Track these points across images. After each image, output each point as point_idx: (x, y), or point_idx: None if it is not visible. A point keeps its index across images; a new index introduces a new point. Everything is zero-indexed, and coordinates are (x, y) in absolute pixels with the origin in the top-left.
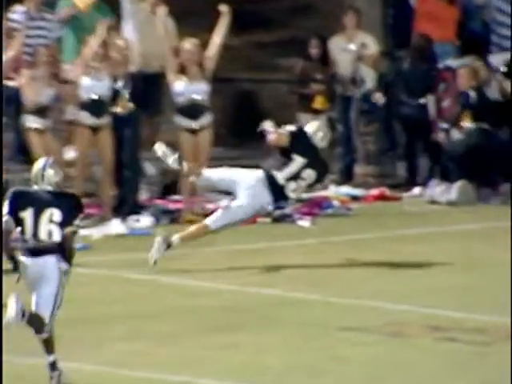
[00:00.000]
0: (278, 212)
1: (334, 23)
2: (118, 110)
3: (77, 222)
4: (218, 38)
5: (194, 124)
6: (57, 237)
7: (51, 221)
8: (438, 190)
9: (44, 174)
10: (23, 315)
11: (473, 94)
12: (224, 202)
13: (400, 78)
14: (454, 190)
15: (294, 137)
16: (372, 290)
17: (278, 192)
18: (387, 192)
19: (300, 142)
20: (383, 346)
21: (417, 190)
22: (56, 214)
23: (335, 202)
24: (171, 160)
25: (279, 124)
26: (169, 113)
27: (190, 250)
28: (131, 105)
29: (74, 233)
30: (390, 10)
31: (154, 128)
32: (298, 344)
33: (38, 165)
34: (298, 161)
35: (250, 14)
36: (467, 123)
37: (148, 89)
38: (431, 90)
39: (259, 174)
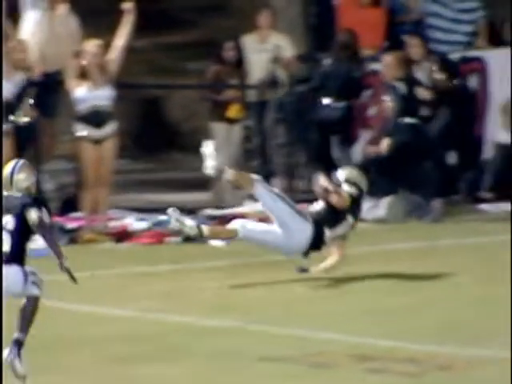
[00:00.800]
0: None
1: (250, 23)
2: (20, 118)
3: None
4: (121, 39)
5: (96, 133)
6: (6, 247)
7: (5, 228)
8: (365, 206)
9: (13, 178)
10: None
11: (401, 87)
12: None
13: (322, 81)
14: (383, 206)
15: (353, 200)
16: (294, 316)
17: (315, 245)
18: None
19: (357, 205)
20: (306, 379)
21: None
22: (10, 221)
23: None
24: (188, 227)
25: (189, 134)
26: (68, 121)
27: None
28: (34, 112)
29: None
30: (312, 8)
31: (52, 138)
32: (210, 377)
33: (8, 169)
34: (349, 222)
35: (156, 13)
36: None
37: (46, 95)
38: (357, 92)
39: (308, 226)
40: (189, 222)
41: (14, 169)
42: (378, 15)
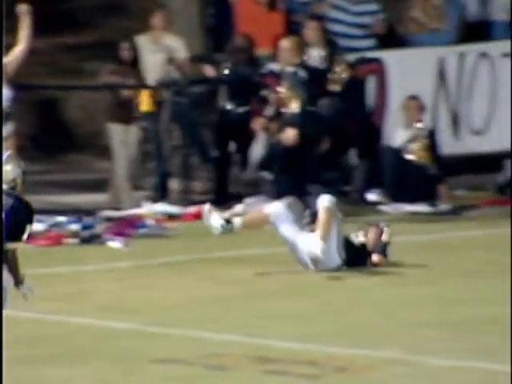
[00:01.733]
0: (86, 232)
1: (146, 24)
2: None
3: (24, 236)
4: (21, 41)
5: None
6: None
7: None
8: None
9: None
10: None
11: (301, 73)
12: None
13: (220, 84)
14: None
15: None
16: (191, 317)
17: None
18: None
19: None
20: (202, 380)
21: (240, 207)
22: None
23: (150, 221)
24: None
25: (88, 135)
26: None
27: None
28: None
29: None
30: (210, 9)
31: None
32: (109, 379)
33: None
34: None
35: (54, 15)
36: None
37: None
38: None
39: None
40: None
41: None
42: (276, 15)
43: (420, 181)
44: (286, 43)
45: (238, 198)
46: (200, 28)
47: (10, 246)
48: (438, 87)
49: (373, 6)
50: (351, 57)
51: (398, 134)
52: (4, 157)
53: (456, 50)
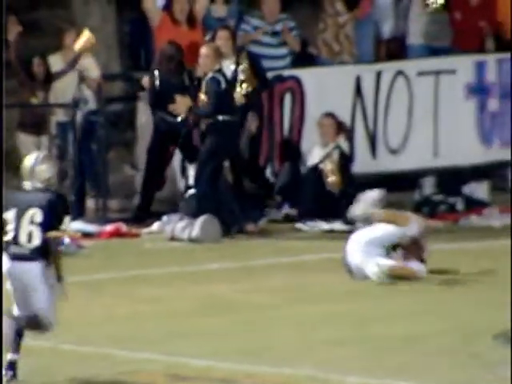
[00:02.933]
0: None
1: (59, 42)
2: None
3: (63, 226)
4: None
5: None
6: (36, 240)
7: (32, 222)
8: (180, 225)
9: (35, 169)
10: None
11: (220, 78)
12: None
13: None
14: (197, 226)
15: None
16: (106, 335)
17: None
18: (124, 228)
19: None
20: None
21: (156, 226)
22: (38, 214)
23: (65, 239)
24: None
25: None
26: None
27: None
28: None
29: (58, 238)
30: (126, 27)
31: None
32: None
33: (29, 160)
34: None
35: None
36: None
37: None
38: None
39: None
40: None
41: (35, 160)
42: (195, 34)
43: (336, 198)
44: (204, 50)
45: (157, 216)
46: (117, 46)
47: (51, 234)
48: (355, 105)
49: (290, 23)
50: (268, 75)
51: (314, 151)
52: (39, 157)
53: (373, 68)
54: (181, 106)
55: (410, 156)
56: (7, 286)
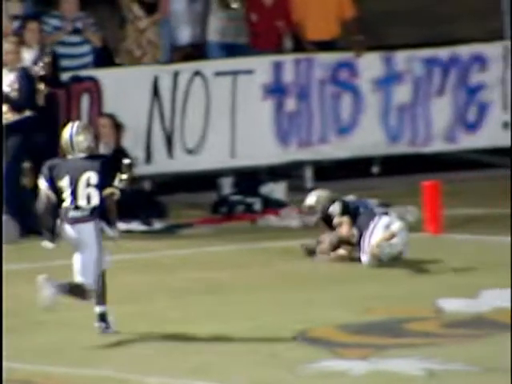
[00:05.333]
0: None
1: None
2: None
3: (116, 182)
4: None
5: None
6: (96, 200)
7: (89, 184)
8: None
9: (73, 141)
10: (63, 291)
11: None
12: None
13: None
14: None
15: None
16: None
17: None
18: None
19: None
20: None
21: None
22: (93, 176)
23: None
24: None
25: None
26: None
27: None
28: None
29: (113, 194)
30: None
31: None
32: None
33: (66, 134)
34: None
35: None
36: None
37: None
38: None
39: None
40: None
41: (71, 132)
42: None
43: (134, 199)
44: (7, 45)
45: None
46: None
47: (107, 191)
48: (152, 106)
49: (89, 20)
50: (65, 75)
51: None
52: (74, 128)
53: (170, 68)
54: None
55: (207, 156)
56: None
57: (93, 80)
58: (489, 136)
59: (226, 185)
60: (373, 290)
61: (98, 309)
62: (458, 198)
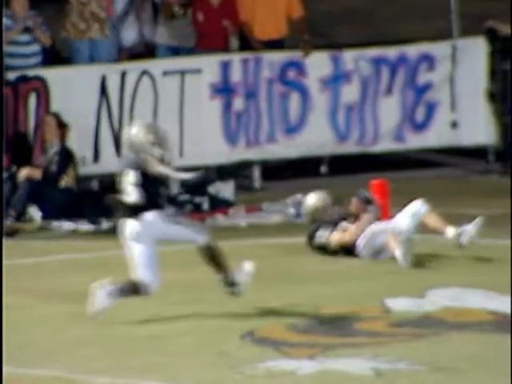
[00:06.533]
0: None
1: None
2: None
3: None
4: None
5: None
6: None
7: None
8: None
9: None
10: (121, 293)
11: None
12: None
13: None
14: None
15: None
16: None
17: None
18: None
19: None
20: None
21: None
22: (133, 176)
23: None
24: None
25: None
26: None
27: None
28: None
29: None
30: None
31: None
32: None
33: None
34: None
35: None
36: None
37: None
38: None
39: None
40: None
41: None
42: None
43: (82, 199)
44: None
45: None
46: None
47: None
48: (100, 105)
49: (38, 19)
50: (12, 75)
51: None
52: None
53: (118, 67)
54: None
55: None
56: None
57: (40, 79)
58: (437, 135)
59: (175, 184)
60: (321, 289)
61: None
62: (406, 196)
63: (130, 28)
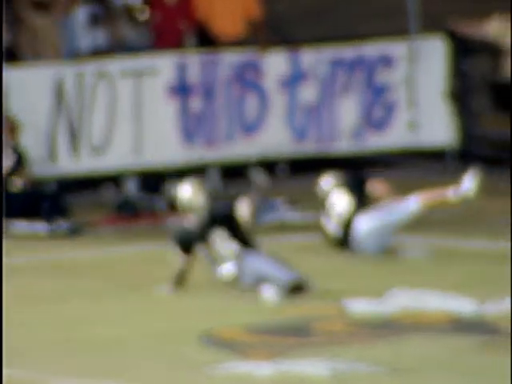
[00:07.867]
0: None
1: None
2: None
3: None
4: None
5: None
6: None
7: None
8: None
9: None
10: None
11: None
12: None
13: None
14: None
15: None
16: None
17: None
18: None
19: None
20: None
21: None
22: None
23: None
24: None
25: None
26: None
27: None
28: None
29: None
30: None
31: None
32: None
33: None
34: None
35: None
36: None
37: None
38: None
39: None
40: None
41: None
42: None
43: (38, 200)
44: None
45: None
46: None
47: None
48: (57, 105)
49: None
50: None
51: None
52: None
53: (74, 68)
54: None
55: (112, 156)
56: None
57: None
58: (395, 135)
59: (131, 184)
60: None
61: None
62: None
63: (87, 30)
